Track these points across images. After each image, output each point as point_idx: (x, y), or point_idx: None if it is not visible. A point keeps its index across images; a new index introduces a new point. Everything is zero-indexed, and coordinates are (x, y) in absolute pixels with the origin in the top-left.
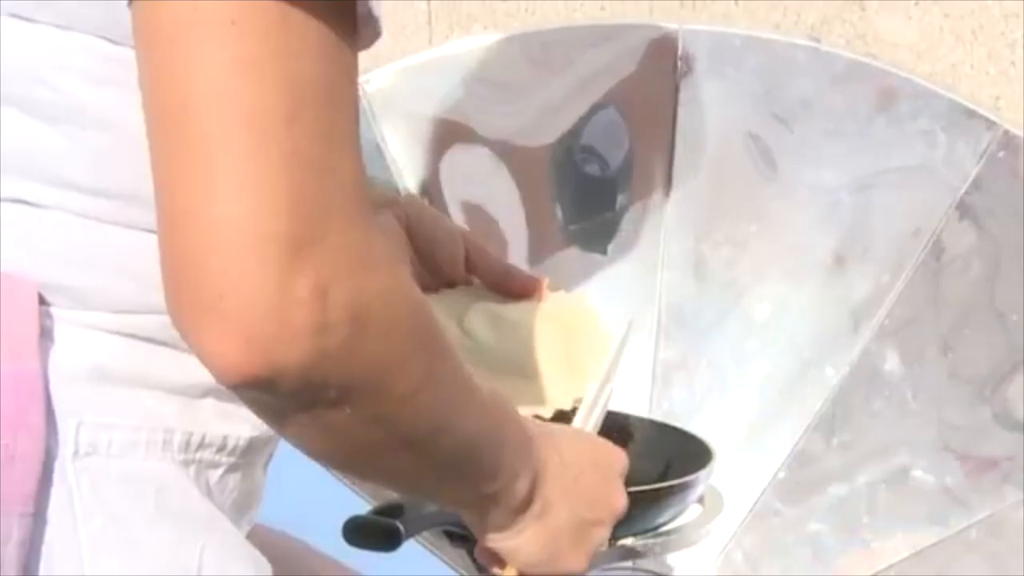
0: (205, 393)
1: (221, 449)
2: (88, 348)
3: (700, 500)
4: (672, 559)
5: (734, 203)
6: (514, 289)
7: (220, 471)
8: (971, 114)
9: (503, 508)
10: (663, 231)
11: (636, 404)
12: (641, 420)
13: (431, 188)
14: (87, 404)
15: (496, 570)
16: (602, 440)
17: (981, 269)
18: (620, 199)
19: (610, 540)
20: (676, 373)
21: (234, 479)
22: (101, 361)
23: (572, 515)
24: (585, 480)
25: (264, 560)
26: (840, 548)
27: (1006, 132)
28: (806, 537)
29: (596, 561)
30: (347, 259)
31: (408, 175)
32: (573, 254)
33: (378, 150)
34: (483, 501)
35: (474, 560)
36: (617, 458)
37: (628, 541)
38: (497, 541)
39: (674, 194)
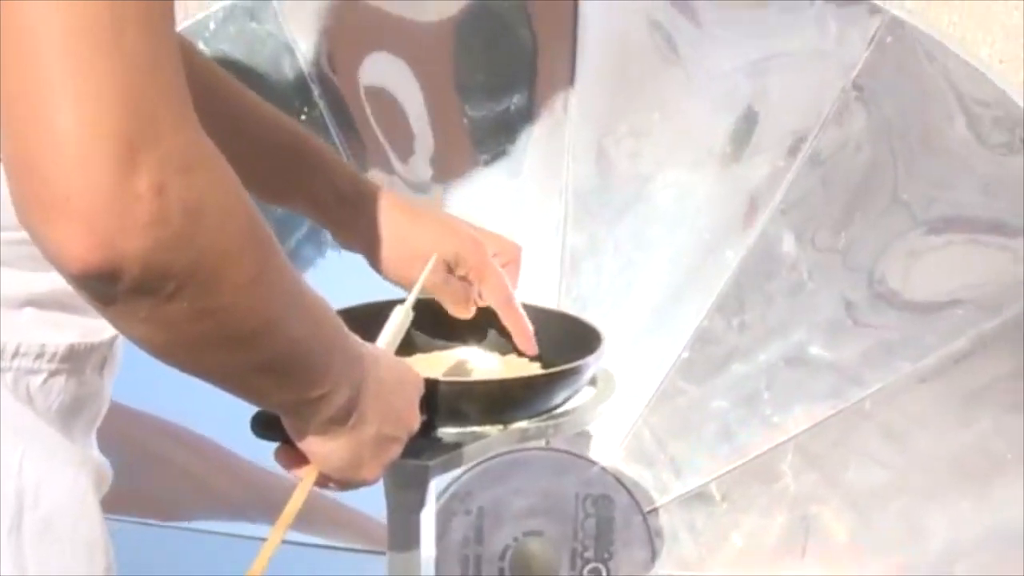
0: (23, 303)
1: (39, 357)
2: None
3: (592, 383)
4: (582, 440)
5: (638, 93)
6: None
7: (41, 377)
8: (860, 0)
9: (323, 415)
10: (568, 123)
11: (545, 291)
12: (534, 308)
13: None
14: None
15: (295, 471)
16: (407, 364)
17: (872, 152)
18: (523, 91)
19: (504, 424)
20: (584, 260)
21: (58, 384)
22: None
23: (378, 430)
24: (393, 399)
25: (100, 463)
26: (742, 423)
27: (894, 18)
28: (710, 414)
29: (493, 444)
30: (180, 157)
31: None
32: (477, 147)
33: (288, 50)
34: (305, 406)
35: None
36: (418, 381)
37: (522, 424)
38: (311, 444)
39: (578, 86)
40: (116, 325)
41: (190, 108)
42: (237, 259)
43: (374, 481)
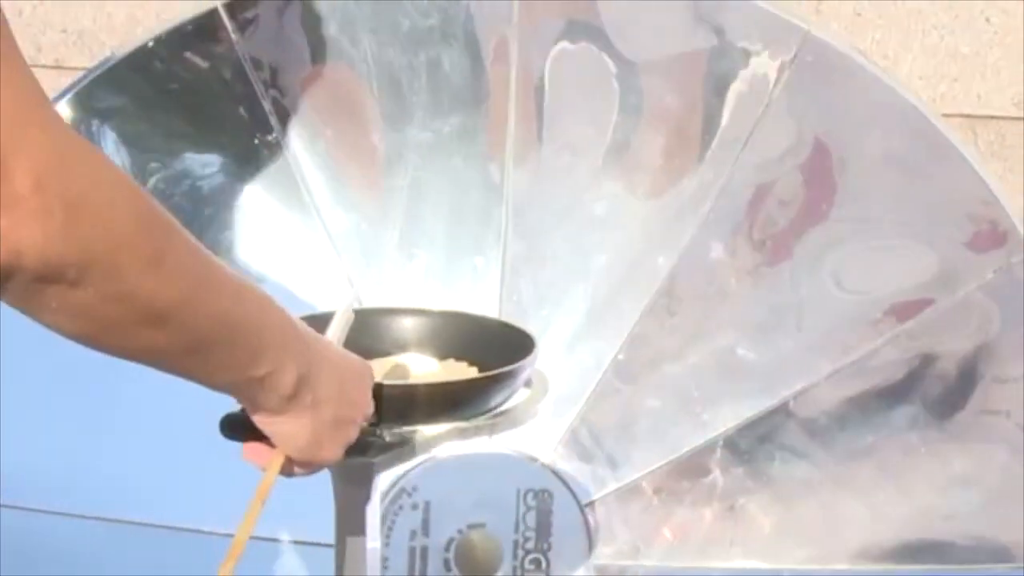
0: None
1: None
2: None
3: (527, 384)
4: (522, 436)
5: (572, 109)
6: None
7: None
8: (780, 20)
9: (272, 394)
10: (508, 136)
11: (488, 297)
12: (472, 316)
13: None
14: None
15: (262, 462)
16: (359, 357)
17: (795, 163)
18: (464, 108)
19: (445, 424)
20: (524, 267)
21: None
22: None
23: (336, 412)
24: (347, 385)
25: None
26: (674, 421)
27: (811, 36)
28: (644, 412)
29: (434, 443)
30: (52, 153)
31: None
32: (421, 161)
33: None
34: (253, 386)
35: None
36: (368, 369)
37: (462, 424)
38: (271, 424)
39: (518, 104)
40: (34, 318)
41: (52, 110)
42: (131, 243)
43: (334, 461)
